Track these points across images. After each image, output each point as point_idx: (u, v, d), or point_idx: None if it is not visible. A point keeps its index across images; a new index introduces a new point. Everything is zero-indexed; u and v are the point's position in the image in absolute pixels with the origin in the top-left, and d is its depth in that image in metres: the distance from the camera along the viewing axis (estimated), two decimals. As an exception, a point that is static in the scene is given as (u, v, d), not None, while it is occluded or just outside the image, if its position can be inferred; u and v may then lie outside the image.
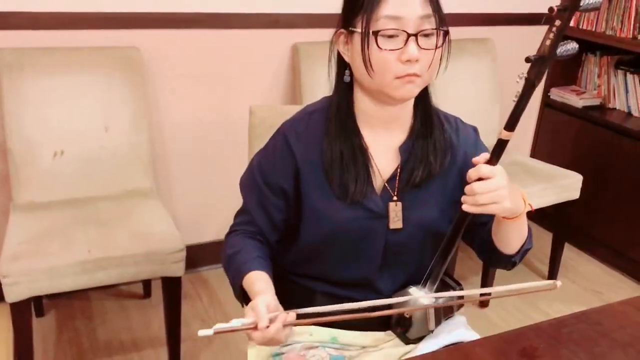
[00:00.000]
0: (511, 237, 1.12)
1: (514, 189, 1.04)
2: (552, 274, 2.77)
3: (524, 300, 2.61)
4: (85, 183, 2.07)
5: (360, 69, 1.08)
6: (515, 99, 0.99)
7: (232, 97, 2.45)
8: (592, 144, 2.95)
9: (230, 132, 2.47)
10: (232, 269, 1.17)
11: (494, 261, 1.20)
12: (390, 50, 1.03)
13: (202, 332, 0.94)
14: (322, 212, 1.14)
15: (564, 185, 2.55)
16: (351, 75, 1.13)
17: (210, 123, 2.45)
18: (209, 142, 2.48)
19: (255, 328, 0.97)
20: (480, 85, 2.75)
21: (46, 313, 2.30)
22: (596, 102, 3.03)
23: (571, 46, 0.96)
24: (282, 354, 1.19)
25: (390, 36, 1.03)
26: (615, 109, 3.01)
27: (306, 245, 1.18)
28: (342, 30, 1.10)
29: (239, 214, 1.26)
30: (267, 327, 0.96)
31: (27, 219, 1.91)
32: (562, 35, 0.94)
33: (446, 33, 1.06)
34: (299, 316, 1.02)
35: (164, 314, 1.98)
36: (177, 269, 1.86)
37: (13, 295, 1.69)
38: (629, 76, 2.90)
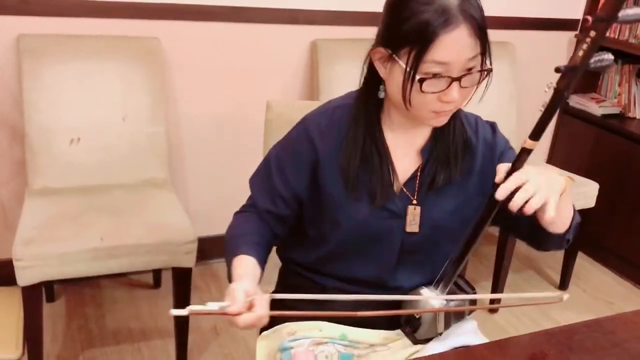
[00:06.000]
0: (561, 215, 1.07)
1: (548, 174, 0.99)
2: (564, 283, 2.74)
3: (534, 307, 2.58)
4: (101, 171, 2.08)
5: (396, 95, 1.05)
6: (542, 109, 0.95)
7: (250, 92, 2.45)
8: (610, 153, 2.92)
9: (246, 126, 2.47)
10: (228, 249, 1.14)
11: (548, 244, 1.16)
12: (431, 92, 1.01)
13: (175, 312, 0.90)
14: (339, 209, 1.13)
15: (580, 193, 2.53)
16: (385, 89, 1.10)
17: (227, 116, 2.46)
18: (224, 136, 2.48)
19: (231, 313, 0.93)
20: (499, 88, 2.73)
21: (57, 299, 2.32)
22: (616, 110, 3.00)
23: (606, 57, 0.91)
24: (291, 348, 1.19)
25: (434, 75, 1.00)
26: (635, 118, 2.97)
27: (321, 242, 1.18)
28: (382, 49, 1.05)
29: (247, 200, 1.24)
30: (241, 313, 0.93)
31: (41, 204, 1.93)
32: (597, 47, 0.90)
33: (489, 71, 1.04)
34: (281, 307, 1.00)
35: (173, 305, 1.99)
36: (188, 260, 1.87)
37: (25, 278, 1.71)
38: (651, 86, 2.87)
